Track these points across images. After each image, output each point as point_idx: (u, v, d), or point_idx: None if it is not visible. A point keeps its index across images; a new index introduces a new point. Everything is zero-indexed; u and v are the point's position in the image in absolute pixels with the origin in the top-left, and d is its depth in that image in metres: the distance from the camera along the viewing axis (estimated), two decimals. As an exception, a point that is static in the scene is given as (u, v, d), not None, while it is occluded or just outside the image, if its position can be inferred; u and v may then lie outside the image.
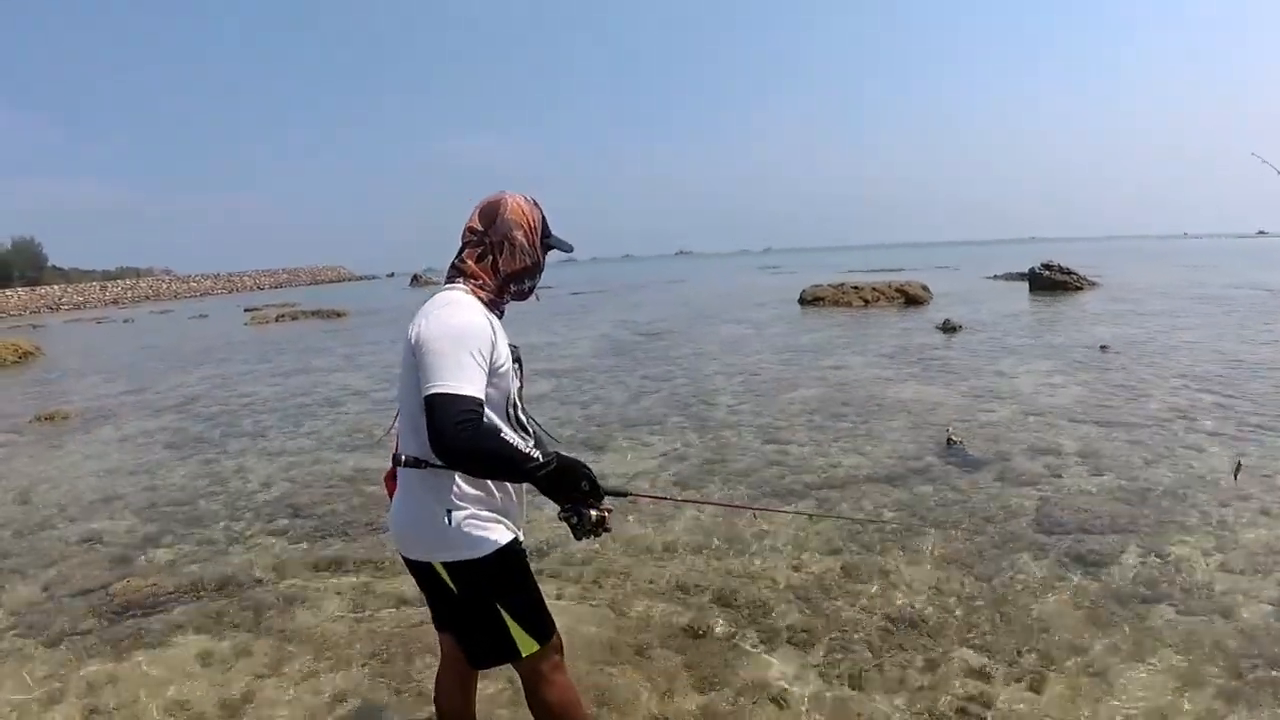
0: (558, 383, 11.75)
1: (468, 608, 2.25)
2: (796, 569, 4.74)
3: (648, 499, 2.22)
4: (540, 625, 2.30)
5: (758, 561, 4.86)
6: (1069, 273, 26.42)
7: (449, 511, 2.14)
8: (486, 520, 2.19)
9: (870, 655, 3.68)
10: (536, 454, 2.03)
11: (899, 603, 4.20)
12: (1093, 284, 26.41)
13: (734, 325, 19.73)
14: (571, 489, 2.12)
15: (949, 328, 15.87)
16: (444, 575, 2.21)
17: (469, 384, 1.96)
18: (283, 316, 31.04)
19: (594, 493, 2.15)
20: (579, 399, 10.50)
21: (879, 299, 23.54)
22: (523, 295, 2.37)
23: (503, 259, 2.26)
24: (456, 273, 2.28)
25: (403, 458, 2.17)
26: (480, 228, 2.27)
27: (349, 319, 29.54)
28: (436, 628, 2.55)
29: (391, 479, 2.38)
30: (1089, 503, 5.55)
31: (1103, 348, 12.51)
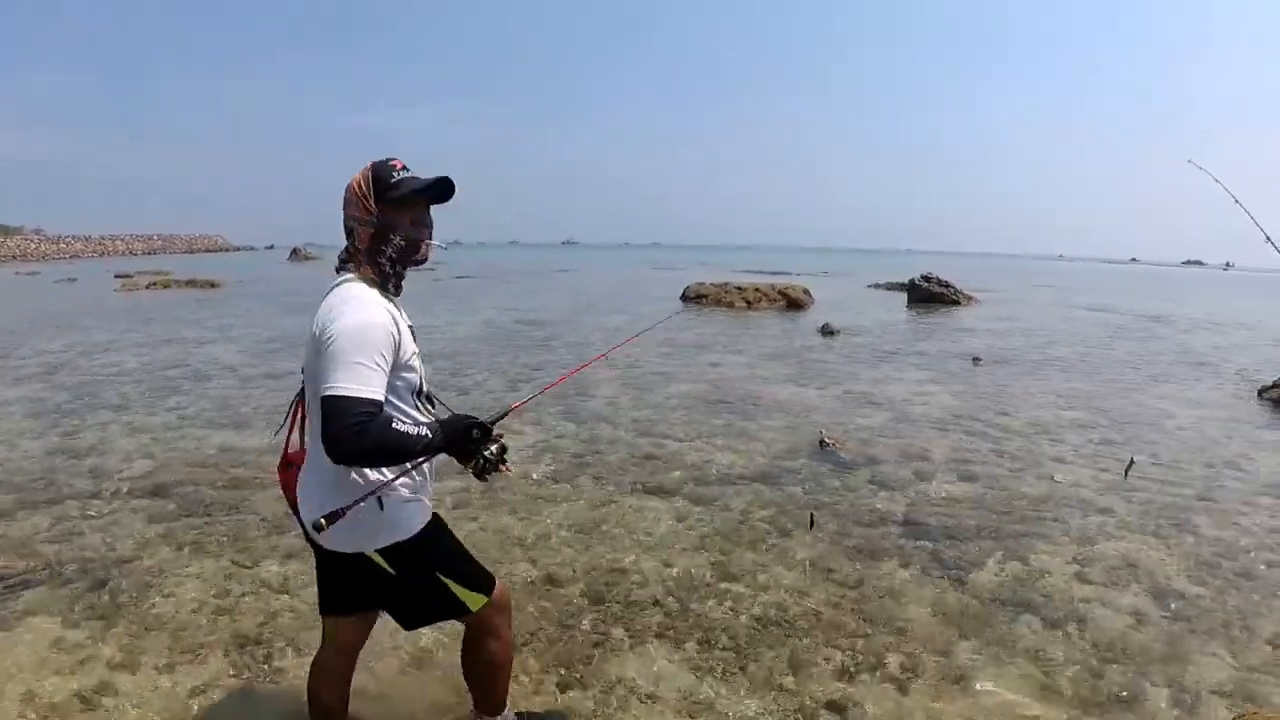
0: (434, 367, 11.49)
1: (408, 585, 2.38)
2: (667, 564, 4.80)
3: (525, 403, 2.36)
4: (480, 579, 2.51)
5: (629, 557, 4.90)
6: (947, 285, 27.79)
7: (379, 500, 2.22)
8: (410, 499, 2.33)
9: (737, 655, 3.75)
10: (423, 430, 2.12)
11: (767, 602, 4.32)
12: (969, 298, 27.84)
13: (618, 317, 19.92)
14: (466, 443, 2.23)
15: (828, 332, 16.45)
16: (379, 561, 2.31)
17: (365, 385, 2.03)
18: (155, 284, 30.21)
19: (485, 434, 2.27)
20: (456, 384, 10.39)
21: (761, 300, 24.19)
22: (407, 259, 2.37)
23: (359, 238, 2.31)
24: (344, 260, 2.36)
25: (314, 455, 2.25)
26: (344, 212, 2.35)
27: (223, 290, 28.88)
28: (323, 613, 2.61)
29: (288, 476, 2.49)
30: (955, 510, 5.86)
31: (975, 360, 13.27)
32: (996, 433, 8.26)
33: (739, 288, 25.19)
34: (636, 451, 7.26)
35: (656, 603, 4.32)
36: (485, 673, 2.68)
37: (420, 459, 2.21)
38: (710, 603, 4.32)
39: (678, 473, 6.66)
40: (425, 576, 2.38)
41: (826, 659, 3.75)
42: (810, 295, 25.10)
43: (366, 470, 2.23)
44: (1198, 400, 10.57)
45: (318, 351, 2.12)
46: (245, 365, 11.85)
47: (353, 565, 2.35)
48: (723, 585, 4.55)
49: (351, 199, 2.29)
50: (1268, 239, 4.64)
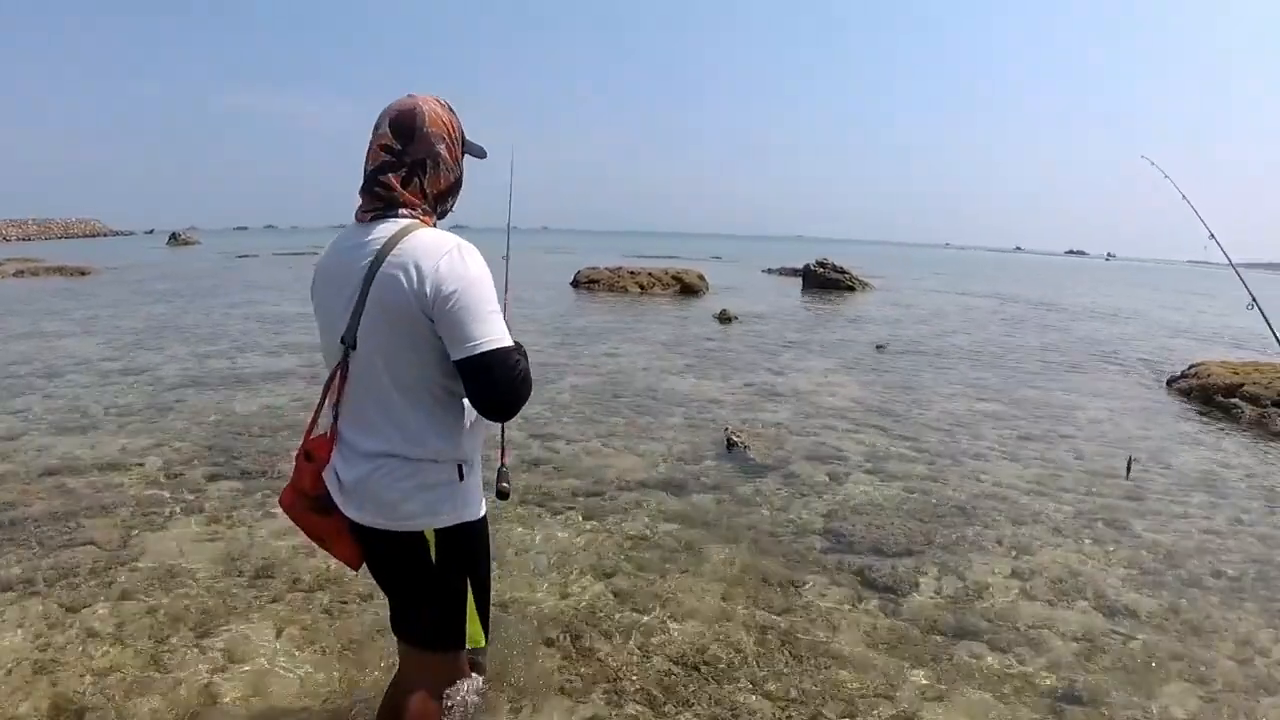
0: (299, 360, 10.74)
1: (438, 580, 2.18)
2: (564, 595, 4.22)
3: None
4: (486, 621, 2.34)
5: (520, 591, 4.26)
6: (842, 271, 28.08)
7: (460, 466, 2.13)
8: (478, 475, 2.24)
9: (650, 710, 3.22)
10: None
11: (682, 638, 3.77)
12: (864, 284, 28.26)
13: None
14: None
15: (726, 318, 16.15)
16: (430, 542, 2.13)
17: (508, 334, 1.98)
18: (21, 272, 28.30)
19: None
20: (313, 373, 9.61)
21: (654, 285, 23.86)
22: (444, 215, 2.24)
23: (428, 179, 2.12)
24: (389, 203, 2.08)
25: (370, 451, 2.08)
26: (398, 145, 2.08)
27: (95, 277, 26.92)
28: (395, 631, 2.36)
29: (309, 468, 2.16)
30: (879, 518, 5.46)
31: (879, 347, 13.15)
32: (912, 426, 7.99)
33: (632, 272, 24.81)
34: (525, 456, 6.64)
35: (551, 643, 3.73)
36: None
37: None
38: (615, 641, 3.75)
39: (572, 481, 6.08)
40: (458, 578, 2.21)
41: (755, 709, 3.25)
42: (705, 280, 24.89)
43: (454, 441, 2.12)
44: (1108, 391, 10.62)
45: (433, 312, 1.93)
46: (104, 359, 10.76)
47: (393, 550, 2.16)
48: (629, 617, 3.99)
49: (437, 133, 2.11)
50: (1211, 236, 4.68)
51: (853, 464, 6.67)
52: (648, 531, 5.14)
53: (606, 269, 25.56)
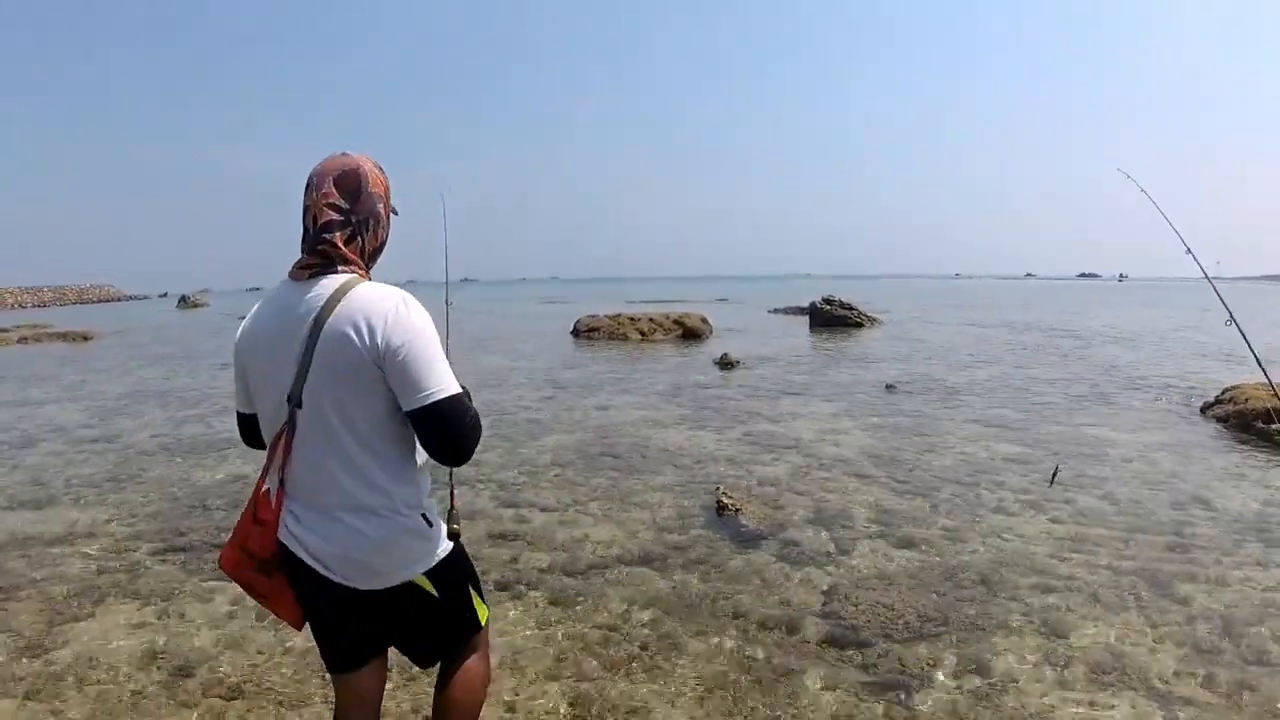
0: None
1: (446, 607, 2.28)
2: (510, 708, 3.56)
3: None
4: (482, 592, 2.46)
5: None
6: (850, 308, 27.53)
7: (424, 516, 2.17)
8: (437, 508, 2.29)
9: None
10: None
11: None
12: (873, 320, 27.71)
13: (498, 357, 18.73)
14: None
15: (726, 363, 15.51)
16: (426, 585, 2.20)
17: (457, 382, 2.05)
18: (25, 338, 28.69)
19: None
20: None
21: (656, 331, 23.34)
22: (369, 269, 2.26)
23: (369, 237, 2.18)
24: (329, 260, 2.10)
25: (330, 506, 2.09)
26: (345, 204, 2.13)
27: (97, 342, 27.08)
28: (338, 671, 2.33)
29: (258, 536, 2.13)
30: (888, 594, 4.75)
31: (889, 387, 12.47)
32: (925, 477, 7.30)
33: (632, 319, 24.28)
34: (495, 528, 6.02)
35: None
36: (469, 702, 2.41)
37: None
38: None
39: (542, 557, 5.43)
40: (461, 591, 2.34)
41: None
42: (708, 324, 24.35)
43: (414, 487, 2.17)
44: (1137, 423, 9.91)
45: (384, 365, 1.97)
46: (81, 427, 10.64)
47: (385, 600, 2.17)
48: (588, 742, 3.33)
49: (378, 193, 2.18)
50: (1188, 250, 4.35)
51: (858, 527, 5.99)
52: (620, 621, 4.47)
53: (606, 317, 25.07)
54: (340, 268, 2.09)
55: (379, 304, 2.00)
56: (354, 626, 2.24)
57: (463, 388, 2.06)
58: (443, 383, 1.99)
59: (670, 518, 6.21)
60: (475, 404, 2.14)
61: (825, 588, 4.88)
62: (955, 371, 14.89)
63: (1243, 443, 8.99)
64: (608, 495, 6.84)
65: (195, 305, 61.46)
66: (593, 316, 25.19)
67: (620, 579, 5.07)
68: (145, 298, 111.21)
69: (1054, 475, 6.92)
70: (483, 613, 2.41)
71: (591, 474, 7.52)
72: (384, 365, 1.96)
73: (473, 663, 2.40)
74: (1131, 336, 23.80)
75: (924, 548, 5.56)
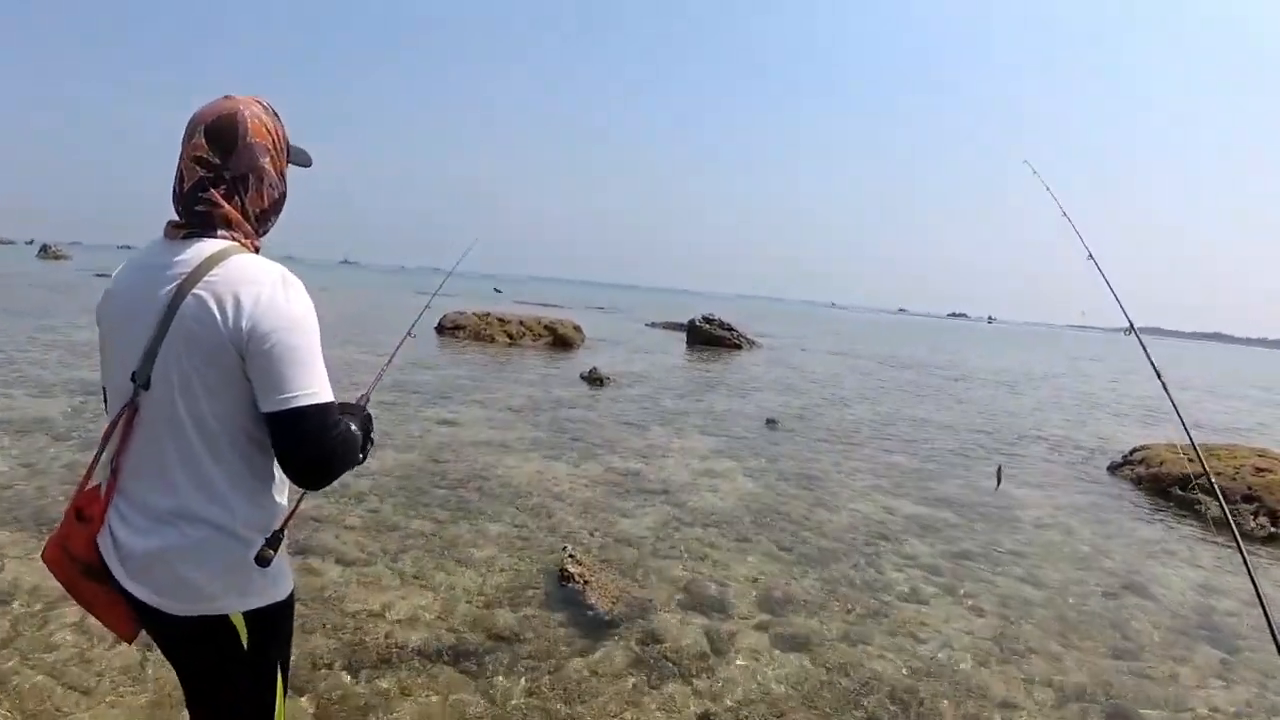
0: (67, 402, 8.23)
1: (248, 668, 1.88)
2: None
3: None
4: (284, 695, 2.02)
5: None
6: (729, 329, 26.73)
7: (268, 543, 1.80)
8: (285, 555, 1.92)
9: None
10: (357, 430, 1.86)
11: None
12: (752, 343, 27.02)
13: (351, 348, 16.80)
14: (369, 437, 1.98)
15: (595, 379, 14.15)
16: (239, 627, 1.83)
17: (329, 387, 1.73)
18: None
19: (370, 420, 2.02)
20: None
21: (525, 335, 21.91)
22: (263, 235, 1.93)
23: (250, 197, 1.84)
24: (209, 221, 1.77)
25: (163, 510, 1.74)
26: (216, 158, 1.78)
27: None
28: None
29: (80, 533, 1.79)
30: (773, 725, 3.52)
31: (770, 422, 11.34)
32: (817, 544, 6.08)
33: (501, 320, 22.73)
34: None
35: None
36: None
37: None
38: None
39: (317, 643, 3.93)
40: (268, 662, 1.89)
41: None
42: (581, 332, 23.07)
43: (263, 511, 1.80)
44: (1044, 479, 9.05)
45: (245, 353, 1.65)
46: None
47: (194, 635, 1.80)
48: None
49: (262, 144, 1.83)
50: (1089, 256, 4.04)
51: (738, 614, 4.68)
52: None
53: (474, 315, 23.46)
54: (221, 232, 1.76)
55: (252, 280, 1.69)
56: (178, 658, 1.94)
57: (362, 405, 2.01)
58: (311, 386, 1.66)
59: (500, 586, 4.78)
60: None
61: (695, 713, 3.57)
62: (840, 408, 13.95)
63: (1160, 511, 8.22)
64: (428, 546, 5.36)
65: (56, 257, 59.90)
66: (459, 313, 23.56)
67: (418, 682, 3.63)
68: (12, 243, 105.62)
69: (999, 477, 6.76)
70: (280, 712, 1.95)
71: (414, 512, 6.03)
72: (246, 353, 1.64)
73: None
74: (1016, 380, 23.68)
75: (820, 650, 4.31)
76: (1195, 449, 3.12)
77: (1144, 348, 3.65)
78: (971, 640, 4.62)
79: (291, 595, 1.94)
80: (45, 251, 63.51)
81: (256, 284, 1.68)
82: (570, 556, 5.05)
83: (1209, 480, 2.53)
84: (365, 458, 1.95)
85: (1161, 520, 7.88)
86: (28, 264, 47.66)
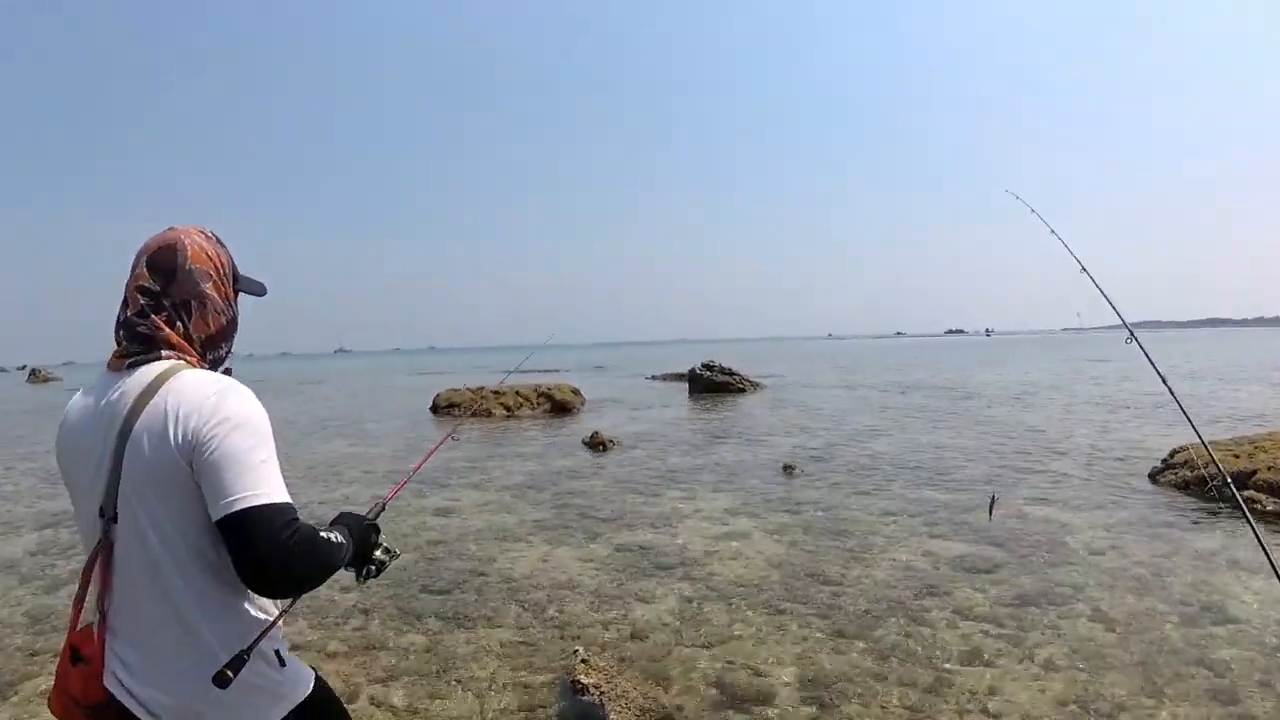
0: (34, 539, 7.62)
1: None
2: None
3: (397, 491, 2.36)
4: None
5: None
6: (731, 373, 26.23)
7: (278, 652, 1.82)
8: (294, 656, 1.91)
9: None
10: (338, 536, 1.80)
11: None
12: (755, 385, 26.51)
13: (340, 442, 16.36)
14: (369, 548, 1.97)
15: (598, 444, 13.57)
16: None
17: (282, 489, 1.67)
18: None
19: (378, 533, 2.02)
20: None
21: (522, 406, 21.38)
22: (219, 364, 1.94)
23: (193, 323, 1.85)
24: (153, 345, 1.79)
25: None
26: (156, 286, 1.82)
27: None
28: None
29: (80, 676, 1.72)
30: None
31: (787, 469, 10.75)
32: (858, 605, 5.46)
33: (496, 392, 22.18)
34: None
35: None
36: None
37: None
38: None
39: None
40: None
41: None
42: (580, 395, 22.58)
43: (244, 611, 1.75)
44: (1085, 499, 8.42)
45: (194, 461, 1.63)
46: None
47: None
48: None
49: (203, 270, 1.85)
50: (1083, 269, 3.81)
51: (783, 707, 4.07)
52: None
53: (469, 390, 23.00)
54: (165, 353, 1.77)
55: (195, 391, 1.69)
56: None
57: (367, 516, 1.97)
58: (256, 488, 1.61)
59: (505, 710, 4.16)
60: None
61: None
62: (856, 443, 13.36)
63: (1212, 515, 7.62)
64: (421, 668, 4.74)
65: (45, 380, 59.89)
66: (454, 390, 23.12)
67: None
68: (3, 370, 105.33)
69: (991, 506, 6.63)
70: None
71: (406, 626, 5.44)
72: (194, 464, 1.63)
73: None
74: (1026, 392, 23.10)
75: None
76: (1208, 450, 2.97)
77: (1146, 354, 3.48)
78: (1052, 704, 4.01)
79: (319, 683, 1.92)
80: (35, 375, 63.47)
81: (201, 395, 1.68)
82: (583, 661, 4.43)
83: (1224, 479, 2.63)
84: (377, 571, 1.98)
85: (1217, 525, 7.30)
86: (17, 389, 47.62)
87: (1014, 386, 25.58)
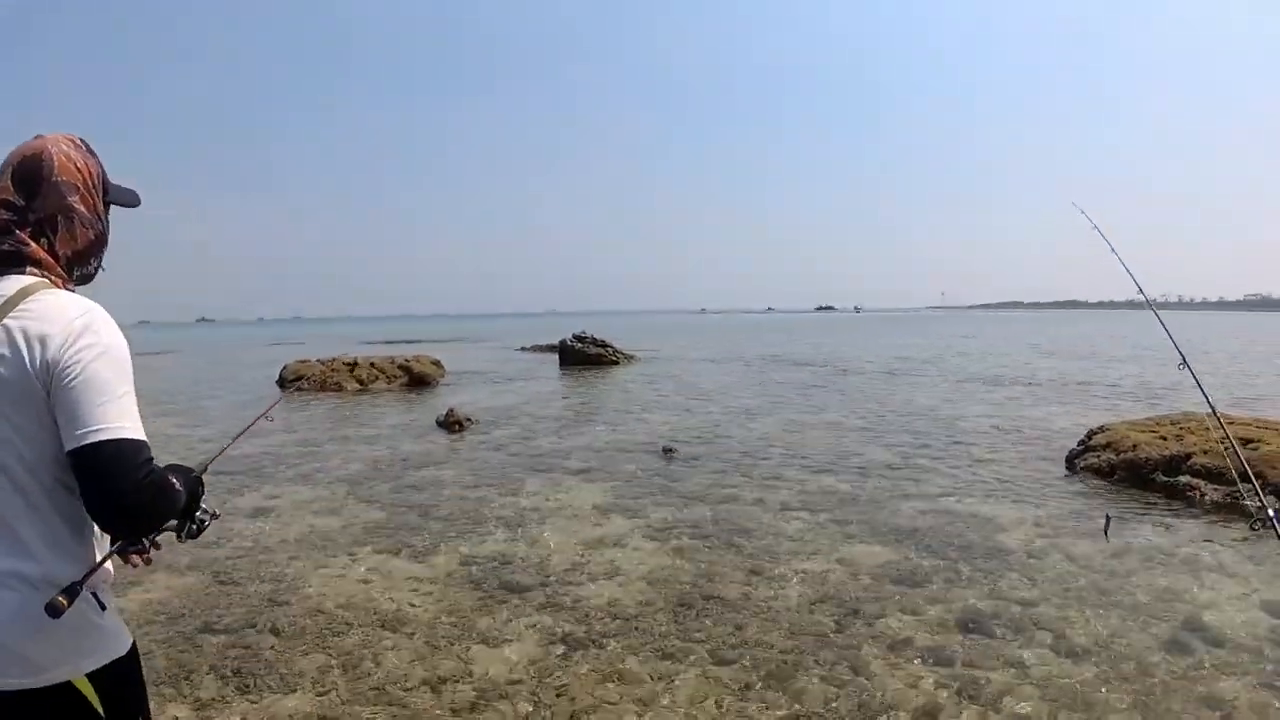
0: None
1: None
2: None
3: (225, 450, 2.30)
4: None
5: None
6: (604, 345, 25.11)
7: (96, 595, 1.68)
8: (113, 600, 1.81)
9: None
10: (179, 484, 1.70)
11: None
12: (629, 357, 25.51)
13: (168, 421, 14.31)
14: (197, 499, 1.85)
15: (453, 423, 12.09)
16: (87, 694, 1.68)
17: (139, 426, 1.61)
18: None
19: (202, 489, 1.90)
20: None
21: (377, 379, 19.63)
22: (88, 280, 1.86)
23: (59, 238, 1.76)
24: (17, 260, 1.70)
25: None
26: (20, 200, 1.72)
27: None
28: None
29: None
30: None
31: (666, 452, 9.53)
32: (768, 637, 4.26)
33: (349, 364, 20.27)
34: None
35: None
36: None
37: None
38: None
39: None
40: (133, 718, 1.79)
41: None
42: (442, 367, 20.95)
43: (79, 546, 1.66)
44: (1008, 491, 7.46)
45: (49, 384, 1.57)
46: None
47: (38, 712, 1.62)
48: None
49: (69, 182, 1.75)
50: (1139, 291, 3.22)
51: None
52: None
53: (319, 363, 20.95)
54: (30, 269, 1.68)
55: (60, 313, 1.61)
56: None
57: (194, 471, 1.83)
58: (117, 420, 1.55)
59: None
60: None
61: None
62: (740, 422, 12.28)
63: (1151, 506, 6.80)
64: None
65: None
66: (303, 363, 21.08)
67: None
68: None
69: (1107, 527, 6.00)
70: None
71: (169, 691, 3.93)
72: (50, 390, 1.56)
73: None
74: (908, 368, 22.66)
75: None
76: (1220, 422, 2.85)
77: (1166, 329, 3.54)
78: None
79: (134, 647, 1.77)
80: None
81: (64, 318, 1.61)
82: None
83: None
84: (198, 530, 1.86)
85: (1159, 521, 6.46)
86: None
87: (892, 362, 25.21)
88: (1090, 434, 8.56)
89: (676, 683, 3.78)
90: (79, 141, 1.82)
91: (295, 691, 3.85)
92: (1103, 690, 3.66)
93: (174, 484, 1.65)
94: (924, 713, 3.50)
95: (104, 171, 1.84)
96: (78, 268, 1.79)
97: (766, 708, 3.56)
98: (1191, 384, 3.47)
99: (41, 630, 1.55)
